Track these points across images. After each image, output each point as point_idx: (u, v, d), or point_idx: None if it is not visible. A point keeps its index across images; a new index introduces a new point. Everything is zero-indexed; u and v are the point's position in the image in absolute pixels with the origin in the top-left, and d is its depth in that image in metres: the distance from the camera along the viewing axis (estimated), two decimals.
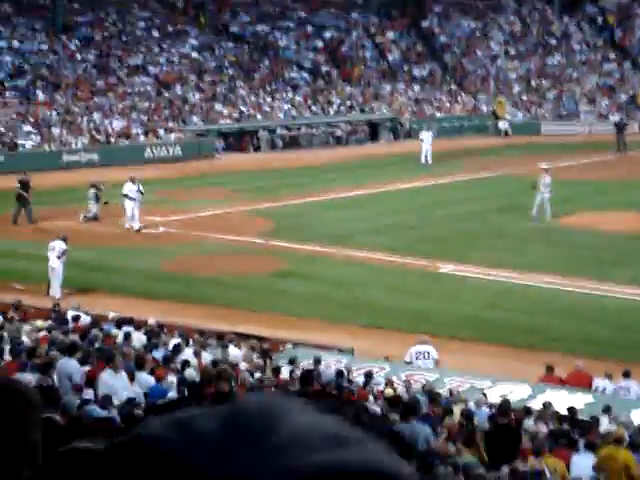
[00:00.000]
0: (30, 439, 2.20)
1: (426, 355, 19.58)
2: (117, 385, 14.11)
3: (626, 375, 18.17)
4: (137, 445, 1.08)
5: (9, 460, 2.14)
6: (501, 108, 67.05)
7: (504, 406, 14.49)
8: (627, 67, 72.10)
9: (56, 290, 25.78)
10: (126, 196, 33.47)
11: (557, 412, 15.64)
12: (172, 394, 14.45)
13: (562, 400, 16.84)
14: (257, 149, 56.82)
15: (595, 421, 15.04)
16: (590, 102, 68.56)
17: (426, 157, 51.02)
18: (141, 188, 33.61)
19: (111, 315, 20.65)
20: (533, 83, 70.60)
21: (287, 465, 1.02)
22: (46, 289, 25.88)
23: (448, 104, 67.35)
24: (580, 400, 17.02)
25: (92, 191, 34.82)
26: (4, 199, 35.29)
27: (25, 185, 34.31)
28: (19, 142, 48.87)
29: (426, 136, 51.69)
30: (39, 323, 19.13)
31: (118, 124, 53.30)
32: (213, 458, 1.03)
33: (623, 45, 74.02)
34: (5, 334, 17.03)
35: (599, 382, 18.39)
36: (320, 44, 69.43)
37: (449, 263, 28.96)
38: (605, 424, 15.22)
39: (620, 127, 56.62)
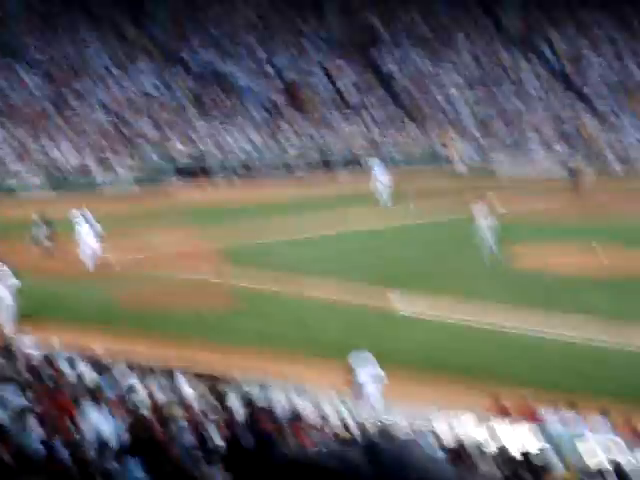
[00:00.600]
0: None
1: (379, 379, 19.75)
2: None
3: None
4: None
5: None
6: (452, 146, 67.60)
7: (459, 450, 14.43)
8: (583, 109, 73.06)
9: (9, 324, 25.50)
10: (77, 230, 33.28)
11: (511, 457, 15.59)
12: (122, 432, 14.25)
13: (510, 433, 16.77)
14: (214, 185, 56.74)
15: (547, 460, 15.03)
16: (546, 145, 69.32)
17: (385, 196, 51.18)
18: (95, 225, 33.40)
19: (58, 347, 20.38)
20: (488, 123, 71.27)
21: None
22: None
23: (405, 144, 67.78)
24: (528, 433, 16.98)
25: (35, 216, 35.05)
26: None
27: None
28: None
29: (383, 176, 51.85)
30: None
31: (73, 158, 52.97)
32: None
33: (579, 88, 75.05)
34: None
35: (546, 414, 18.37)
36: (278, 82, 69.64)
37: (405, 303, 28.98)
38: (556, 461, 15.23)
39: (575, 171, 57.33)
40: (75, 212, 34.62)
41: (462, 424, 17.46)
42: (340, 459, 1.16)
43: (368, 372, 19.97)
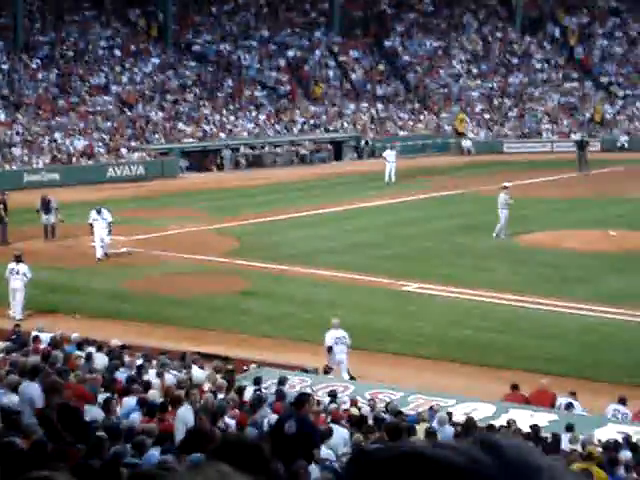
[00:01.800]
0: None
1: (343, 339, 21.29)
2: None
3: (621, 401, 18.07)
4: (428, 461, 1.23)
5: None
6: (462, 125, 67.45)
7: (469, 424, 14.49)
8: (588, 86, 72.81)
9: (18, 311, 25.58)
10: (91, 225, 32.26)
11: (520, 430, 15.66)
12: (135, 415, 14.31)
13: (526, 418, 16.86)
14: (220, 168, 56.74)
15: (557, 439, 15.07)
16: (552, 121, 69.12)
17: (390, 176, 51.15)
18: (108, 217, 32.21)
19: (73, 336, 20.44)
20: (495, 102, 71.07)
21: None
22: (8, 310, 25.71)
23: (411, 123, 67.63)
24: (543, 418, 17.05)
25: (40, 202, 34.91)
26: None
27: (4, 204, 34.34)
28: None
29: (390, 155, 51.84)
30: None
31: (80, 144, 53.03)
32: (497, 474, 1.23)
33: (584, 64, 74.76)
34: None
35: (562, 400, 18.44)
36: (283, 63, 69.53)
37: (413, 281, 28.99)
38: (566, 442, 15.26)
39: (581, 145, 57.10)
40: (85, 199, 34.67)
41: (477, 410, 17.50)
42: (465, 455, 1.09)
43: (334, 335, 21.36)
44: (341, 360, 21.32)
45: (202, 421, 11.82)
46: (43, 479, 2.67)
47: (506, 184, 38.14)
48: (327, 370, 20.59)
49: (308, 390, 18.04)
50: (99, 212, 32.23)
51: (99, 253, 32.01)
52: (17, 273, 25.84)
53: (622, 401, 18.02)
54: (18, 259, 26.09)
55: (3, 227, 34.41)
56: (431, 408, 17.03)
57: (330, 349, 21.20)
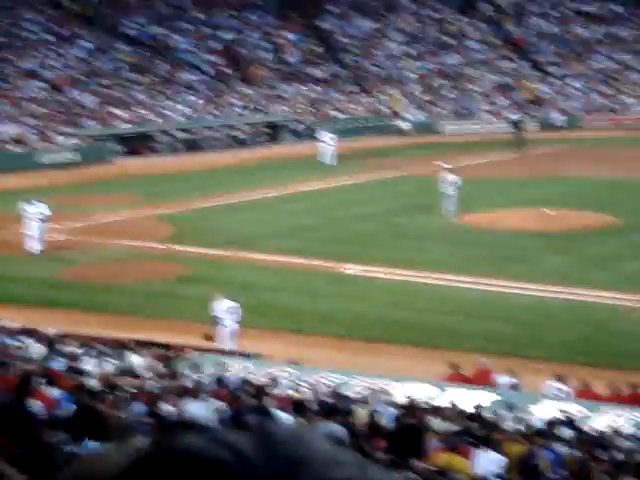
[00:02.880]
0: None
1: (236, 309, 21.82)
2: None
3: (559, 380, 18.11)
4: (184, 456, 1.15)
5: None
6: (395, 102, 67.51)
7: (410, 406, 14.39)
8: (524, 65, 73.27)
9: None
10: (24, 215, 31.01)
11: (462, 410, 15.62)
12: (71, 405, 14.01)
13: (466, 398, 16.85)
14: (156, 153, 56.14)
15: (499, 418, 15.05)
16: (489, 101, 69.47)
17: (329, 158, 51.01)
18: (44, 209, 30.86)
19: (7, 325, 20.03)
20: (432, 83, 71.23)
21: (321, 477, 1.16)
22: None
23: (349, 105, 67.53)
24: (485, 398, 17.05)
25: None
26: None
27: None
28: None
29: (328, 137, 51.67)
30: None
31: (11, 130, 52.06)
32: (260, 471, 1.15)
33: (519, 43, 75.20)
34: None
35: (501, 379, 18.47)
36: (218, 46, 68.96)
37: (354, 264, 28.88)
38: (509, 420, 15.24)
39: (518, 125, 57.57)
40: (16, 186, 33.91)
41: (419, 391, 17.45)
42: (229, 448, 1.00)
43: (224, 305, 21.90)
44: (233, 330, 21.91)
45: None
46: None
47: (446, 166, 38.28)
48: (208, 337, 21.40)
49: (250, 376, 17.85)
50: (31, 203, 31.13)
51: (37, 247, 30.70)
52: None
53: (560, 379, 18.09)
54: None
55: None
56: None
57: (216, 318, 21.78)
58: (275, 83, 67.34)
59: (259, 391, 12.78)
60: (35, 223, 30.84)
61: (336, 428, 12.38)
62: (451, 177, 36.54)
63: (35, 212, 30.89)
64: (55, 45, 62.35)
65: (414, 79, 71.49)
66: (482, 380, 18.49)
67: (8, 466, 2.31)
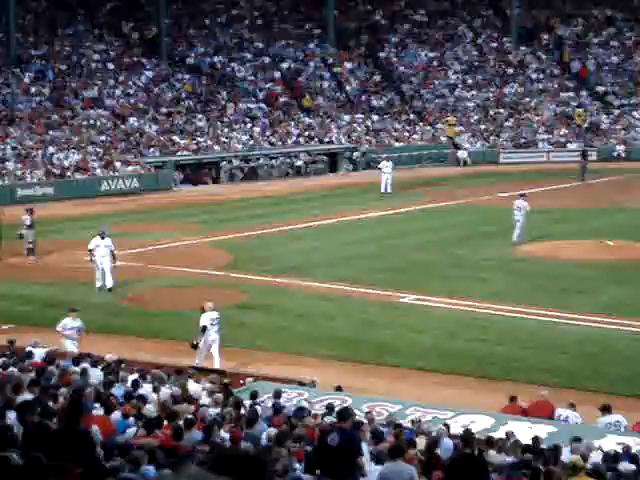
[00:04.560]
0: None
1: (216, 321, 22.79)
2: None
3: (605, 410, 17.90)
4: None
5: None
6: (452, 129, 67.39)
7: (467, 436, 14.28)
8: (584, 95, 72.78)
9: None
10: (91, 252, 29.97)
11: (519, 442, 15.47)
12: (132, 430, 14.14)
13: (524, 430, 16.67)
14: (215, 181, 56.59)
15: (557, 450, 14.86)
16: (548, 131, 69.07)
17: (386, 187, 51.06)
18: (111, 244, 29.98)
19: (69, 351, 20.27)
20: (491, 112, 71.01)
21: None
22: None
23: (406, 134, 67.54)
24: (543, 430, 16.86)
25: (27, 217, 34.23)
26: None
27: None
28: None
29: (386, 166, 51.76)
30: None
31: (74, 157, 52.85)
32: None
33: (580, 73, 74.75)
34: None
35: (561, 411, 18.25)
36: (277, 75, 69.48)
37: (410, 293, 28.81)
38: (567, 453, 15.05)
39: (584, 155, 57.62)
40: (79, 213, 34.29)
41: (476, 422, 17.31)
42: None
43: (209, 316, 22.82)
44: (214, 339, 22.76)
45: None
46: None
47: (522, 192, 38.57)
48: (194, 346, 22.58)
49: (305, 403, 17.85)
50: (102, 236, 30.21)
51: (108, 283, 29.90)
52: None
53: (607, 409, 17.85)
54: None
55: None
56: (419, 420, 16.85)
57: (204, 329, 22.66)
58: (333, 112, 67.59)
59: (341, 415, 13.05)
60: (105, 258, 29.97)
61: (405, 467, 12.29)
62: (520, 203, 36.72)
63: (103, 246, 30.08)
64: (117, 74, 63.26)
65: (472, 108, 71.33)
66: (540, 412, 18.29)
67: None
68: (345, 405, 16.53)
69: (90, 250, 29.95)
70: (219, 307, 25.07)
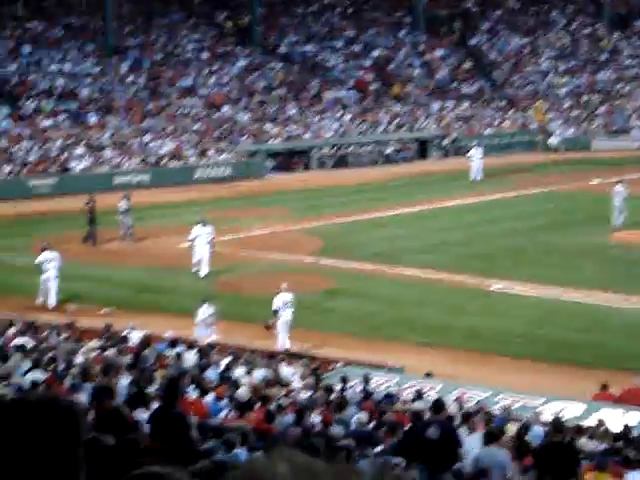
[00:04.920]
0: (78, 457, 2.27)
1: (290, 304, 23.55)
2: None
3: None
4: None
5: (60, 473, 2.21)
6: (539, 114, 66.64)
7: (557, 424, 14.36)
8: None
9: (53, 299, 26.97)
10: (192, 240, 30.46)
11: (610, 430, 15.48)
12: (225, 413, 14.54)
13: (616, 418, 16.65)
14: (306, 168, 57.02)
15: None
16: None
17: (476, 174, 50.86)
18: (212, 232, 30.44)
19: (166, 335, 20.78)
20: (583, 99, 70.06)
21: None
22: (42, 301, 26.99)
23: (497, 121, 67.06)
24: (636, 418, 16.81)
25: (124, 203, 34.87)
26: (60, 221, 35.75)
27: (93, 207, 34.81)
28: (71, 165, 49.49)
29: (476, 153, 51.55)
30: (92, 343, 19.32)
31: (169, 145, 53.80)
32: None
33: None
34: (60, 354, 17.22)
35: None
36: (368, 63, 69.57)
37: (499, 280, 28.79)
38: None
39: None
40: (174, 200, 34.92)
41: (566, 409, 17.32)
42: None
43: (283, 298, 23.61)
44: (287, 321, 23.49)
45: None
46: (156, 476, 2.64)
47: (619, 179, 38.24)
48: (268, 327, 23.54)
49: (394, 389, 18.09)
50: (204, 224, 30.66)
51: (204, 271, 30.34)
52: (50, 262, 27.18)
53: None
54: (45, 249, 27.52)
55: (92, 229, 34.75)
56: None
57: (276, 312, 23.41)
58: (424, 99, 67.46)
59: (437, 406, 13.19)
60: (205, 246, 30.43)
61: (500, 452, 12.38)
62: (618, 189, 36.48)
63: (204, 234, 30.51)
64: (211, 63, 64.08)
65: (565, 95, 70.45)
66: (633, 400, 18.20)
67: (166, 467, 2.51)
68: (438, 397, 16.62)
69: (191, 239, 30.41)
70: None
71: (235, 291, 28.73)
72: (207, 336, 22.76)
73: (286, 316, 23.54)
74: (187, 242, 30.73)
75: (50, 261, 27.27)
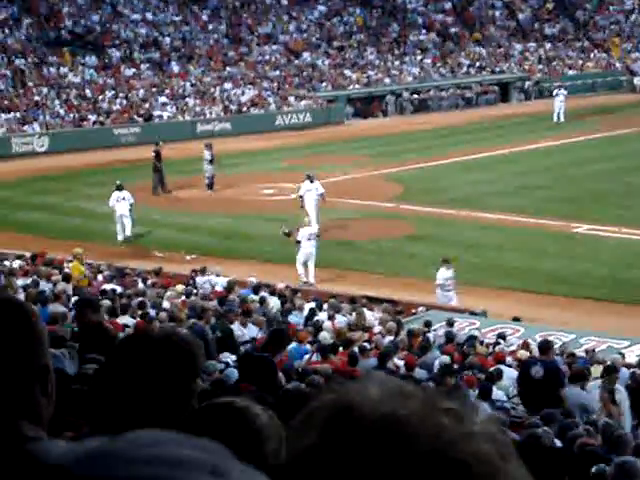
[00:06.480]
0: (194, 386, 2.53)
1: (313, 235, 24.26)
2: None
3: None
4: None
5: (177, 402, 2.47)
6: (616, 49, 65.32)
7: None
8: None
9: (129, 231, 28.43)
10: (302, 197, 28.99)
11: None
12: (307, 356, 14.80)
13: None
14: (386, 114, 56.81)
15: None
16: None
17: (559, 116, 50.19)
18: (321, 189, 28.92)
19: (250, 280, 21.08)
20: None
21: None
22: (122, 238, 28.38)
23: (580, 62, 65.89)
24: None
25: (206, 152, 34.95)
26: (141, 169, 36.25)
27: (158, 155, 35.07)
28: (155, 113, 50.05)
29: (559, 94, 50.83)
30: (179, 288, 19.71)
31: (249, 93, 54.03)
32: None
33: None
34: (147, 300, 17.64)
35: None
36: (448, 5, 68.73)
37: (583, 223, 28.54)
38: None
39: None
40: (255, 147, 34.79)
41: None
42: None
43: (307, 231, 24.14)
44: (311, 253, 24.07)
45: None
46: (232, 407, 2.85)
47: None
48: (287, 234, 24.33)
49: (476, 332, 18.17)
50: (312, 180, 29.16)
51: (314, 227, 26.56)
52: (123, 199, 28.57)
53: None
54: (120, 187, 28.79)
55: (159, 176, 34.94)
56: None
57: (298, 242, 23.99)
58: (505, 41, 66.52)
59: (543, 346, 13.26)
60: (312, 202, 28.77)
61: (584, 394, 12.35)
62: None
63: (315, 189, 29.06)
64: (290, 9, 63.95)
65: None
66: None
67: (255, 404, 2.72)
68: (546, 338, 16.55)
69: (301, 196, 29.06)
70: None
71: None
72: (447, 303, 21.46)
73: (307, 248, 24.00)
74: (296, 196, 29.72)
75: (121, 200, 28.57)
